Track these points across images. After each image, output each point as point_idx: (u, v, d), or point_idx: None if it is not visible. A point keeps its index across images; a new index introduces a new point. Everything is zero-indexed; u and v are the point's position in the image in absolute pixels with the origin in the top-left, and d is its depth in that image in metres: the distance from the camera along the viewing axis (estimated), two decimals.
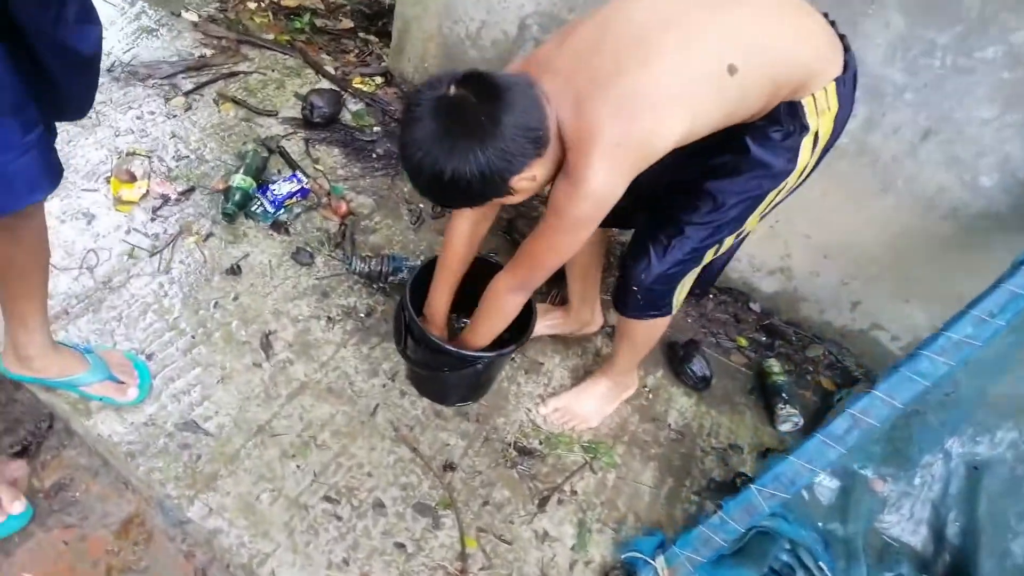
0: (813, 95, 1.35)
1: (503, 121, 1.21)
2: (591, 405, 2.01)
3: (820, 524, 1.98)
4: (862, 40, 1.81)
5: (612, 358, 1.95)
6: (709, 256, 1.58)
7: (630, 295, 1.63)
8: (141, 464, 1.64)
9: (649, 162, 1.30)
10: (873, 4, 1.78)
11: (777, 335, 2.41)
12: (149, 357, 1.82)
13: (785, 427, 2.17)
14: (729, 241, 1.57)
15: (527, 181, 1.31)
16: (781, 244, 2.28)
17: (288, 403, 1.84)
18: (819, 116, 1.36)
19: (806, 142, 1.38)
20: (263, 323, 1.97)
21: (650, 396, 2.15)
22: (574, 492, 1.88)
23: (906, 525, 2.09)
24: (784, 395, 2.18)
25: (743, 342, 2.39)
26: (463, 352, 1.72)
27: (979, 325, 1.46)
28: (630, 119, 1.26)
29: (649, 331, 1.79)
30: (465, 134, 1.22)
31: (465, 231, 1.72)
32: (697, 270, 1.62)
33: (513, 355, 1.86)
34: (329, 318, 2.04)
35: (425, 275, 1.85)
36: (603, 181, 1.28)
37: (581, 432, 2.01)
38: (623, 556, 1.76)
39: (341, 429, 1.83)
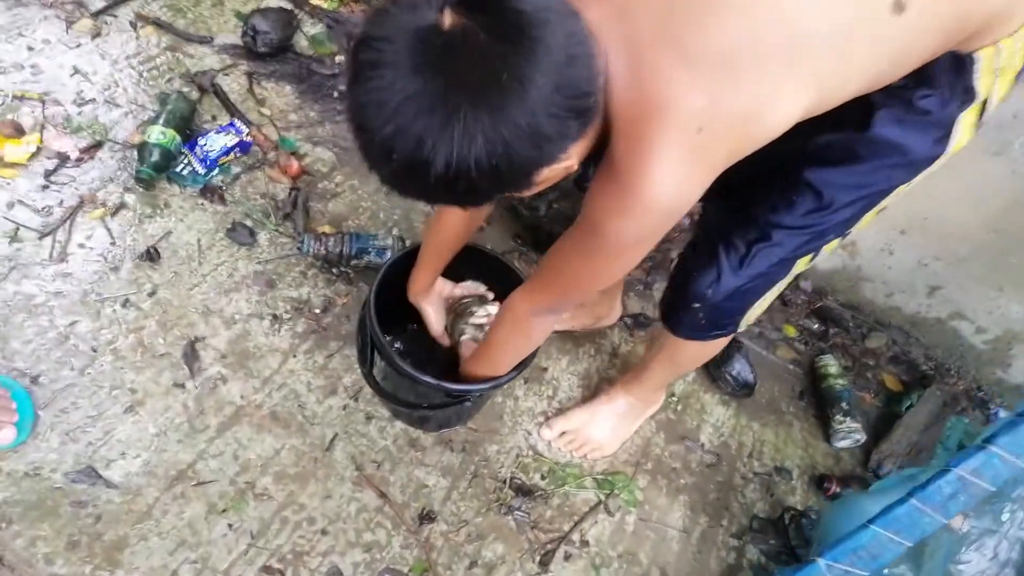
0: (997, 44, 0.87)
1: (534, 78, 0.72)
2: (607, 427, 1.62)
3: (886, 572, 1.62)
4: None
5: (641, 371, 1.55)
6: (801, 266, 1.15)
7: (687, 312, 1.23)
8: (20, 532, 1.26)
9: (746, 152, 0.86)
10: None
11: (831, 321, 2.00)
12: (34, 381, 1.41)
13: (843, 443, 1.79)
14: (833, 246, 1.13)
15: (561, 169, 0.83)
16: None
17: (219, 437, 1.44)
18: (997, 77, 0.90)
19: (967, 117, 0.93)
20: (188, 327, 1.55)
21: (678, 408, 1.76)
22: (585, 542, 1.51)
23: (988, 567, 1.73)
24: (844, 404, 1.79)
25: (791, 331, 1.98)
26: (447, 386, 1.30)
27: None
28: (723, 86, 0.79)
29: (701, 351, 1.39)
30: (471, 99, 0.72)
31: (456, 222, 1.31)
32: (785, 283, 1.20)
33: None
34: (274, 316, 1.62)
35: (397, 270, 1.42)
36: (673, 187, 0.82)
37: (594, 461, 1.62)
38: None
39: (287, 471, 1.44)
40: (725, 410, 1.79)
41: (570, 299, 1.12)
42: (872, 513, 1.44)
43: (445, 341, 1.50)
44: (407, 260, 1.44)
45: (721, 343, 1.36)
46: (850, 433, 1.76)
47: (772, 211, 1.06)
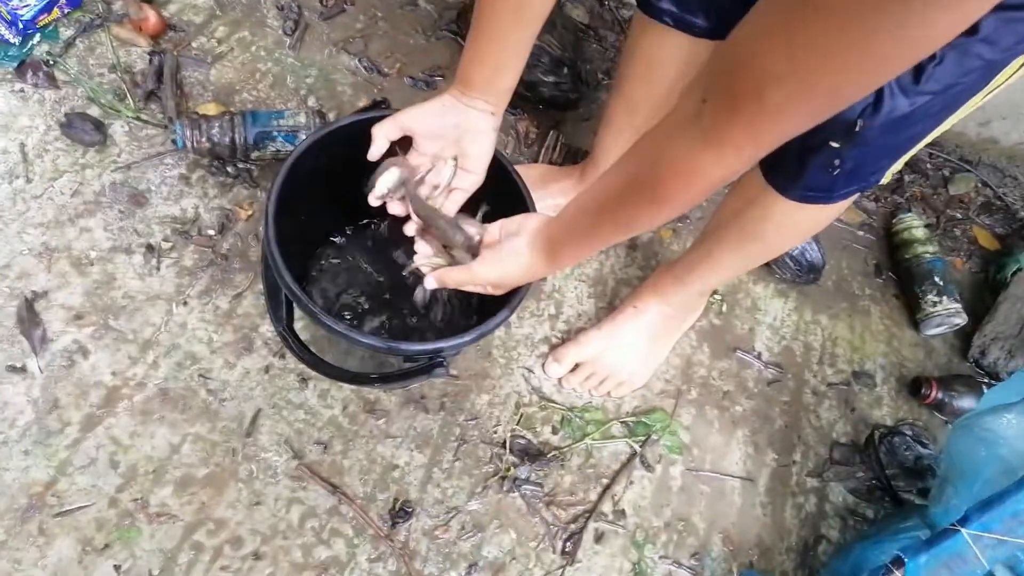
0: None
1: None
2: (635, 350, 1.20)
3: None
4: None
5: (686, 268, 1.13)
6: (1008, 73, 0.71)
7: (815, 157, 0.79)
8: None
9: None
10: None
11: (907, 165, 1.55)
12: None
13: (937, 330, 1.39)
14: None
15: None
16: None
17: (86, 438, 1.01)
18: None
19: None
20: (20, 278, 1.08)
21: (723, 308, 1.34)
22: (620, 512, 1.14)
23: None
24: (937, 279, 1.39)
25: None
26: (403, 347, 0.87)
27: None
28: None
29: (803, 227, 0.97)
30: None
31: None
32: (973, 105, 0.76)
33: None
34: (149, 247, 1.14)
35: (314, 163, 0.94)
36: None
37: (621, 397, 1.21)
38: None
39: (194, 473, 1.02)
40: (783, 303, 1.37)
41: (820, 110, 0.53)
42: (1015, 441, 1.08)
43: (376, 150, 0.93)
44: (328, 143, 0.95)
45: (839, 210, 0.92)
46: (948, 317, 1.36)
47: None
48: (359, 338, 0.86)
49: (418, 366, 0.90)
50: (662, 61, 1.05)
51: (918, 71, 0.68)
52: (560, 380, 1.20)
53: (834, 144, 0.77)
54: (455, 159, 0.95)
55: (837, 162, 0.79)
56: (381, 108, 0.99)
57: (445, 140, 0.94)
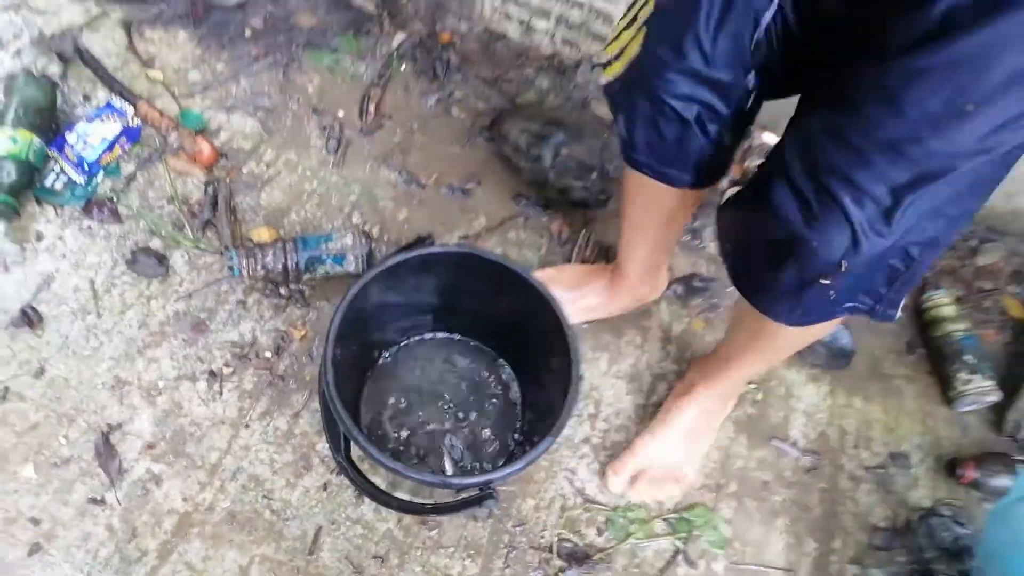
0: None
1: None
2: (685, 445, 1.25)
3: None
4: None
5: (727, 360, 1.17)
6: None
7: (810, 291, 0.82)
8: None
9: None
10: None
11: None
12: None
13: (970, 407, 1.41)
14: None
15: None
16: None
17: (163, 565, 1.09)
18: None
19: None
20: (96, 412, 1.16)
21: (758, 397, 1.37)
22: None
23: None
24: (969, 357, 1.40)
25: None
26: (452, 481, 0.93)
27: None
28: None
29: (816, 332, 0.99)
30: None
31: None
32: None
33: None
34: (211, 373, 1.22)
35: (361, 299, 1.02)
36: None
37: (669, 496, 1.26)
38: None
39: None
40: (817, 389, 1.40)
41: None
42: None
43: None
44: (376, 283, 1.03)
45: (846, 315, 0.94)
46: (981, 396, 1.38)
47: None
48: (412, 475, 0.92)
49: (470, 497, 0.96)
50: (656, 199, 1.08)
51: (886, 214, 0.70)
52: (623, 493, 1.24)
53: (825, 281, 0.80)
54: None
55: (832, 293, 0.82)
56: (424, 244, 1.05)
57: None
